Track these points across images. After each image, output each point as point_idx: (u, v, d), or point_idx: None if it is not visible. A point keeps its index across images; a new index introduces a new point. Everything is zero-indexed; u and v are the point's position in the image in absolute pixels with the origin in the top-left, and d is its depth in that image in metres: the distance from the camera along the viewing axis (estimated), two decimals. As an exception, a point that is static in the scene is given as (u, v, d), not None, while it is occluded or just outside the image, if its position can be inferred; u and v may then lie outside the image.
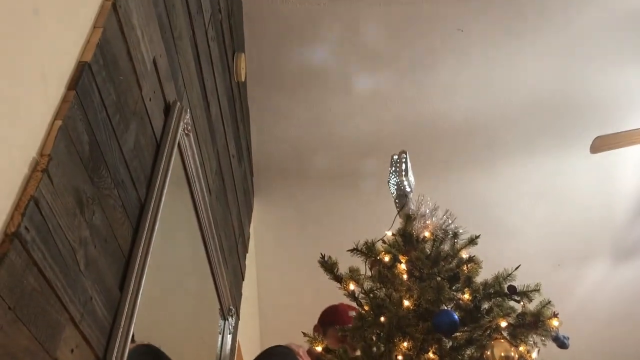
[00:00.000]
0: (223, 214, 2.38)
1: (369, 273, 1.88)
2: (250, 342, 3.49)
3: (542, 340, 1.71)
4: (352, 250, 1.89)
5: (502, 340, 1.65)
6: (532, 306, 1.74)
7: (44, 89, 0.96)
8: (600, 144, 2.80)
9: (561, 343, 1.69)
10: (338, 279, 1.86)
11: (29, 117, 0.93)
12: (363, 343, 1.69)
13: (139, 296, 1.24)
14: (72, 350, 1.01)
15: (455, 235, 1.90)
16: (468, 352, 1.70)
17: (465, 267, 1.83)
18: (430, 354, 1.65)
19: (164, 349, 1.50)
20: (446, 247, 1.90)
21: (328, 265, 1.87)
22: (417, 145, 2.92)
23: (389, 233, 1.96)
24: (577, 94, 2.97)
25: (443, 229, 1.91)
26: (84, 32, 1.10)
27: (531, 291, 1.76)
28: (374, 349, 1.68)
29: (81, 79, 1.04)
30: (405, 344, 1.64)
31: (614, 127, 2.87)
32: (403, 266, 1.83)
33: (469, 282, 1.77)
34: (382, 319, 1.70)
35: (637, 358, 4.01)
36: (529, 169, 3.30)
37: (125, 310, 1.20)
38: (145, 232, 1.32)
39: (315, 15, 2.67)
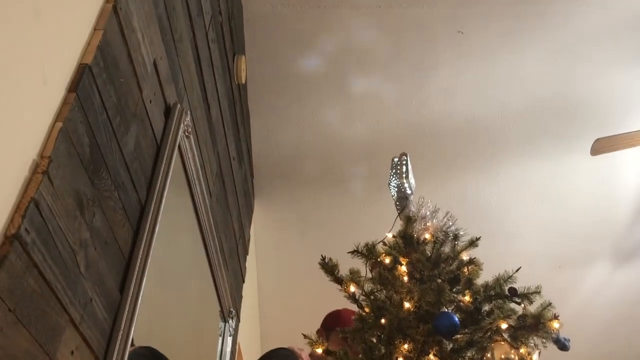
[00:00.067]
0: (223, 216, 2.38)
1: (369, 275, 1.88)
2: (251, 344, 3.49)
3: (542, 342, 1.70)
4: (352, 252, 1.89)
5: (503, 343, 1.65)
6: (532, 308, 1.74)
7: (45, 91, 0.97)
8: (601, 146, 2.80)
9: (562, 345, 1.69)
10: (338, 280, 1.85)
11: (29, 119, 0.93)
12: (363, 345, 1.69)
13: (140, 298, 1.24)
14: (72, 352, 1.01)
15: (456, 237, 1.90)
16: (469, 354, 1.69)
17: (465, 269, 1.83)
18: (431, 356, 1.65)
19: (164, 351, 1.50)
20: (447, 249, 1.90)
21: (328, 267, 1.87)
22: (417, 148, 2.93)
23: (390, 235, 1.96)
24: (577, 96, 2.97)
25: (444, 231, 1.91)
26: (85, 34, 1.10)
27: (532, 293, 1.75)
28: (375, 351, 1.67)
29: (82, 81, 1.04)
30: (405, 346, 1.64)
31: (614, 129, 2.87)
32: (404, 268, 1.83)
33: (469, 284, 1.77)
34: (383, 320, 1.70)
35: (638, 360, 4.00)
36: (529, 170, 3.30)
37: (126, 312, 1.20)
38: (146, 234, 1.32)
39: (315, 17, 2.67)
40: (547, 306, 1.71)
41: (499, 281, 1.78)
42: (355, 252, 1.89)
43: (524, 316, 1.72)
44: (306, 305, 3.42)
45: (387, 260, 1.86)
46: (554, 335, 1.68)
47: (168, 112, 1.55)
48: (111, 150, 1.18)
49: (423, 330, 1.66)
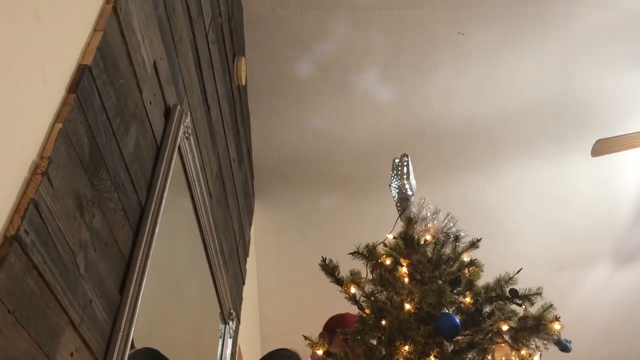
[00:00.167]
0: (223, 217, 2.37)
1: (370, 276, 1.87)
2: (251, 346, 3.48)
3: (544, 343, 1.70)
4: (353, 254, 1.88)
5: (504, 344, 1.64)
6: (533, 310, 1.73)
7: (45, 92, 0.96)
8: (601, 147, 2.79)
9: (563, 347, 1.68)
10: (339, 282, 1.85)
11: (29, 119, 0.92)
12: (364, 347, 1.68)
13: (139, 300, 1.23)
14: (71, 354, 1.01)
15: (457, 238, 1.89)
16: (469, 355, 1.69)
17: (466, 271, 1.82)
18: (432, 358, 1.64)
19: (164, 353, 1.50)
20: (447, 250, 1.89)
21: (329, 269, 1.86)
22: (417, 149, 2.92)
23: (390, 236, 1.96)
24: (578, 97, 2.96)
25: (444, 232, 1.90)
26: (85, 35, 1.10)
27: (533, 294, 1.75)
28: (376, 352, 1.67)
29: (81, 82, 1.04)
30: (406, 347, 1.64)
31: (615, 130, 2.87)
32: (404, 269, 1.82)
33: (470, 285, 1.77)
34: (384, 322, 1.69)
35: (640, 362, 4.00)
36: (529, 171, 3.30)
37: (125, 313, 1.19)
38: (146, 235, 1.31)
39: (316, 19, 2.67)
40: (548, 307, 1.70)
41: (500, 282, 1.77)
42: (356, 253, 1.88)
43: (525, 318, 1.71)
44: (307, 306, 3.42)
45: (388, 262, 1.85)
46: (555, 337, 1.67)
47: (168, 113, 1.54)
48: (111, 152, 1.17)
49: (424, 332, 1.65)
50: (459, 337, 1.68)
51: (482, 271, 1.83)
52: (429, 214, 1.94)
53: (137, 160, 1.33)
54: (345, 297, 1.85)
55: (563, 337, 1.69)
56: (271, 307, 3.88)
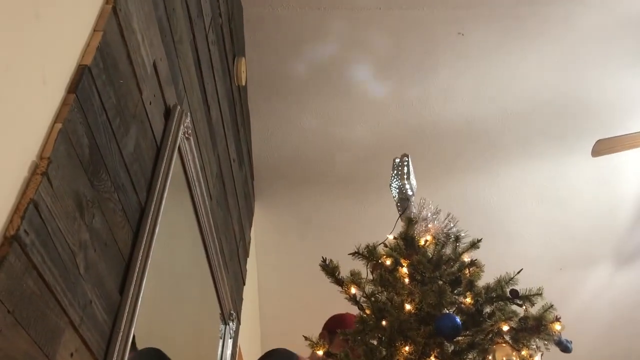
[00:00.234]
0: (224, 218, 2.37)
1: (370, 277, 1.87)
2: (251, 347, 3.48)
3: (544, 344, 1.70)
4: (353, 254, 1.88)
5: (504, 345, 1.64)
6: (534, 310, 1.73)
7: (44, 92, 0.96)
8: (602, 148, 2.79)
9: (564, 347, 1.68)
10: (339, 282, 1.84)
11: (29, 120, 0.92)
12: (365, 347, 1.68)
13: (139, 300, 1.23)
14: (71, 354, 1.01)
15: (457, 238, 1.89)
16: (470, 356, 1.68)
17: (467, 271, 1.82)
18: (432, 358, 1.64)
19: (165, 353, 1.49)
20: (448, 250, 1.89)
21: (329, 269, 1.86)
22: (417, 149, 2.92)
23: (391, 236, 1.95)
24: (578, 97, 2.96)
25: (445, 233, 1.90)
26: (84, 35, 1.10)
27: (533, 295, 1.75)
28: (376, 353, 1.67)
29: (81, 82, 1.04)
30: (407, 348, 1.63)
31: (615, 130, 2.87)
32: (405, 270, 1.82)
33: (471, 285, 1.76)
34: (384, 322, 1.69)
35: (640, 362, 4.00)
36: (530, 172, 3.30)
37: (125, 314, 1.19)
38: (146, 235, 1.31)
39: (316, 19, 2.67)
40: (549, 308, 1.70)
41: (501, 283, 1.77)
42: (356, 253, 1.88)
43: (525, 318, 1.71)
44: (307, 306, 3.42)
45: (388, 262, 1.85)
46: (555, 337, 1.67)
47: (168, 113, 1.54)
48: (111, 152, 1.17)
49: (424, 332, 1.65)
50: (460, 338, 1.68)
51: (483, 271, 1.82)
52: (429, 214, 1.94)
53: (137, 160, 1.33)
54: (346, 298, 1.85)
55: (564, 337, 1.69)
56: (271, 307, 3.88)
